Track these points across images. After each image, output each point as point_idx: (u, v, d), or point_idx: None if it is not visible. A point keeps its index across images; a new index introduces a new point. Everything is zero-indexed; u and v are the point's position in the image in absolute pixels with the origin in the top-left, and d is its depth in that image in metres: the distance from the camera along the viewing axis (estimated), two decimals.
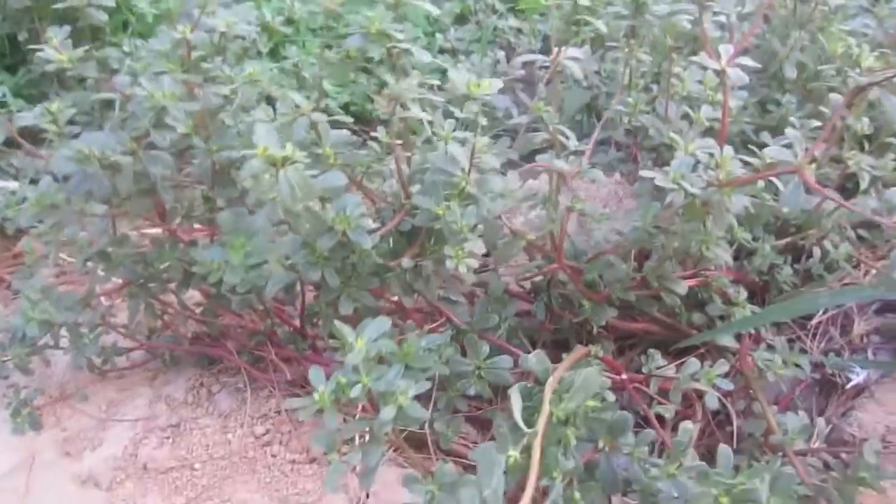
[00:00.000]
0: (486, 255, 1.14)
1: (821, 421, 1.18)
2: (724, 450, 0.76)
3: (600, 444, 0.86)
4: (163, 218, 1.05)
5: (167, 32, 0.96)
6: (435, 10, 0.98)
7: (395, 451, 1.11)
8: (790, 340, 1.43)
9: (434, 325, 1.17)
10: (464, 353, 1.11)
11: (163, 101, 0.84)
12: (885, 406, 1.23)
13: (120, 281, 1.14)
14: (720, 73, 1.01)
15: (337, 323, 0.78)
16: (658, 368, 1.23)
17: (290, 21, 1.84)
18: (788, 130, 0.85)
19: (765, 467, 0.73)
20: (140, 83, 0.85)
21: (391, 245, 1.02)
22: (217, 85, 0.95)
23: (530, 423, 0.82)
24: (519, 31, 2.15)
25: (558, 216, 1.09)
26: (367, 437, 0.79)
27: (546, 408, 0.80)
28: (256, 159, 0.67)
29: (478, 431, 1.26)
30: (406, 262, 0.95)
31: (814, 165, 0.84)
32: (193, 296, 1.24)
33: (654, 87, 1.33)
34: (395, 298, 1.10)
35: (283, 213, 0.76)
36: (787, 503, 0.72)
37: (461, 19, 2.52)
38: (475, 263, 0.92)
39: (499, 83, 0.82)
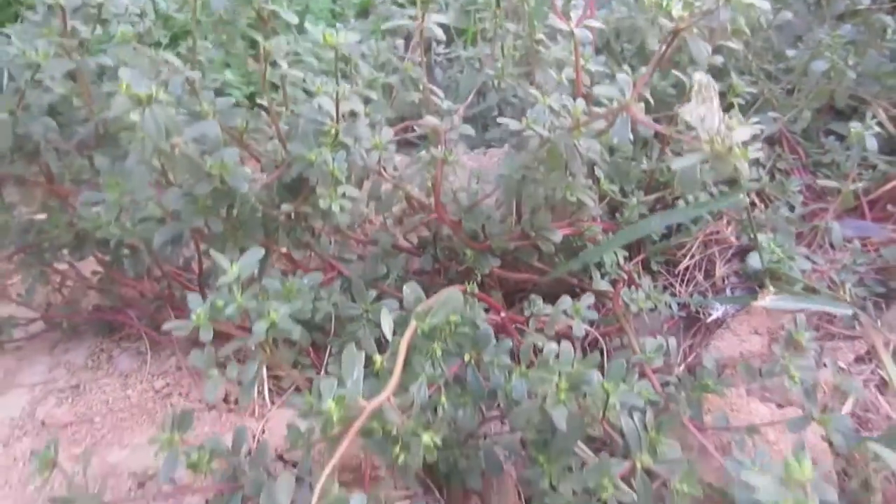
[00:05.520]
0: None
1: (680, 348, 1.31)
2: (565, 345, 0.86)
3: (467, 358, 0.95)
4: (50, 182, 1.09)
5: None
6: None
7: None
8: (664, 287, 1.57)
9: (326, 279, 1.24)
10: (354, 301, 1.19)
11: (35, 58, 0.89)
12: (739, 335, 1.37)
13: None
14: (569, 34, 1.13)
15: (213, 251, 0.84)
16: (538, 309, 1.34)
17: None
18: (619, 75, 0.97)
19: (596, 358, 0.83)
20: (13, 44, 0.89)
21: (275, 197, 1.09)
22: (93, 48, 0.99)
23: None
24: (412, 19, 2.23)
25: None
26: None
27: (412, 323, 0.89)
28: (121, 96, 0.74)
29: None
30: (286, 206, 1.02)
31: (641, 102, 0.95)
32: (91, 266, 1.28)
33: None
34: (285, 251, 1.17)
35: (154, 154, 0.81)
36: (618, 384, 0.82)
37: (364, 13, 2.61)
38: (349, 204, 1.00)
39: (356, 35, 0.91)
